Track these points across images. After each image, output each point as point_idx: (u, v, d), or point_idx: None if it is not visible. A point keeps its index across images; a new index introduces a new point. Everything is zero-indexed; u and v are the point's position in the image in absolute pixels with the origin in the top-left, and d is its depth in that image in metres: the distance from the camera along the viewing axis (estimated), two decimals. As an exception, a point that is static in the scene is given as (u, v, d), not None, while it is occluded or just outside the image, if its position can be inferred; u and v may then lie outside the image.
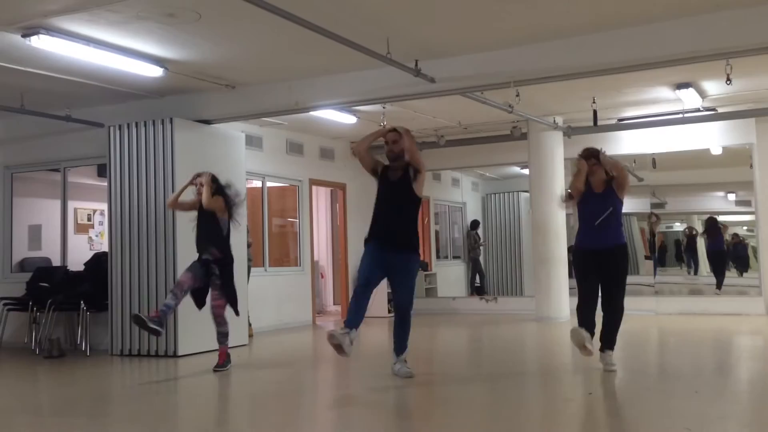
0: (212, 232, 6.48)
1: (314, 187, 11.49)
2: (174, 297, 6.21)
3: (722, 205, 16.42)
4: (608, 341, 5.74)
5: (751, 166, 10.33)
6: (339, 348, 5.33)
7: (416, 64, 6.68)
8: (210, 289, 6.45)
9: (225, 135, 8.28)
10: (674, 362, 6.79)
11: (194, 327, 7.47)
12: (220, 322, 6.45)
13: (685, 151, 10.68)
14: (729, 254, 13.60)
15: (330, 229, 13.25)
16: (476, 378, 6.01)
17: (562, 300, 10.30)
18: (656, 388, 5.39)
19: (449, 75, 6.95)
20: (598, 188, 5.84)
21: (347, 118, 9.60)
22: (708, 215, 18.33)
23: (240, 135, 8.55)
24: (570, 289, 11.07)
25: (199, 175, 6.56)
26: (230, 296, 6.45)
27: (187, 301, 7.32)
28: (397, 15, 5.90)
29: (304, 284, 10.83)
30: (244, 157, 8.51)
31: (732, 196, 16.35)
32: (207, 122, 8.11)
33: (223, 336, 6.48)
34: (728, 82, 6.80)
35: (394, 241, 5.68)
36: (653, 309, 10.43)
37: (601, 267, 5.67)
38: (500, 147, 11.19)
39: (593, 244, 5.72)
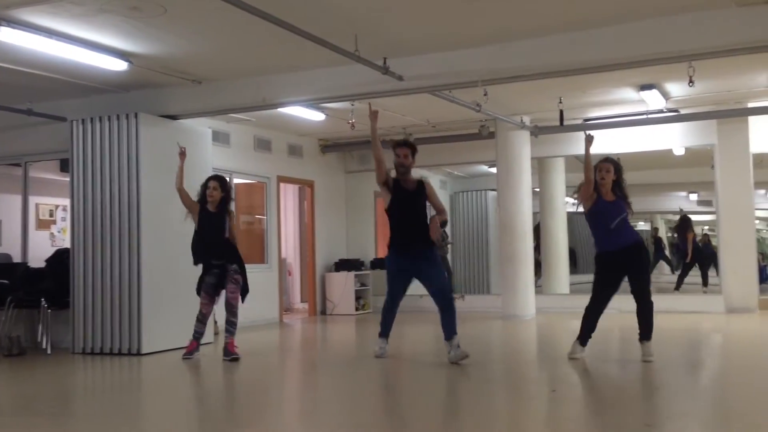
0: (222, 235, 6.85)
1: (282, 184, 11.43)
2: (202, 324, 6.89)
3: (685, 204, 16.74)
4: (645, 333, 6.07)
5: (713, 166, 10.52)
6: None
7: (384, 62, 6.67)
8: (227, 284, 6.83)
9: (191, 131, 8.18)
10: (637, 358, 6.90)
11: (158, 325, 7.38)
12: (235, 312, 6.84)
13: (648, 151, 10.82)
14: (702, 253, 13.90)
15: (298, 226, 13.20)
16: (440, 376, 6.02)
17: (528, 298, 10.40)
18: (619, 384, 5.46)
19: (417, 73, 6.96)
20: (608, 197, 6.13)
21: (315, 115, 9.56)
22: (672, 214, 18.70)
23: (206, 131, 8.46)
24: (537, 287, 11.22)
25: (211, 179, 6.90)
26: (245, 288, 6.95)
27: (152, 299, 7.26)
28: (366, 12, 5.89)
29: (271, 282, 10.77)
30: (210, 153, 8.42)
31: (694, 196, 16.70)
32: (173, 117, 8.00)
33: (233, 326, 6.82)
34: (691, 84, 6.92)
35: (419, 244, 6.16)
36: (617, 307, 10.57)
37: (625, 265, 6.03)
38: (468, 145, 11.25)
39: (612, 246, 6.06)
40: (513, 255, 10.38)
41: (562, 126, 9.89)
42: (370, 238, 12.89)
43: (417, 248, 6.18)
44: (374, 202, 13.30)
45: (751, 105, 9.79)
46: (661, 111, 9.76)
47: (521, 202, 10.43)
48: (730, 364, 6.64)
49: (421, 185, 6.41)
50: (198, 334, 6.89)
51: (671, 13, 5.98)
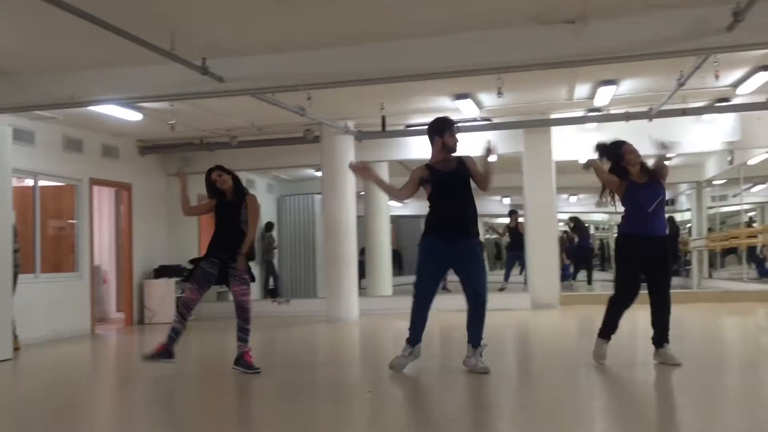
0: (239, 229, 5.93)
1: (96, 187, 10.75)
2: (181, 319, 5.89)
3: (498, 208, 17.88)
4: (664, 336, 5.57)
5: (521, 172, 11.28)
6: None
7: (204, 62, 6.49)
8: (233, 283, 5.88)
9: (-13, 128, 7.46)
10: (448, 354, 7.23)
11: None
12: (247, 317, 5.91)
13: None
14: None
15: (114, 231, 12.47)
16: (253, 384, 5.94)
17: (352, 301, 10.55)
18: (436, 381, 5.68)
19: (239, 75, 6.85)
20: (640, 179, 5.71)
21: (132, 115, 9.09)
22: (488, 216, 19.85)
23: (5, 129, 7.72)
24: (361, 289, 11.42)
25: (213, 170, 5.99)
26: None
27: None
28: (183, 11, 5.70)
29: (81, 291, 10.08)
30: (10, 152, 7.68)
31: (507, 200, 17.87)
32: (-36, 113, 7.27)
33: (246, 333, 5.92)
34: (499, 95, 7.40)
35: (461, 231, 5.50)
36: (435, 307, 11.04)
37: (651, 257, 5.57)
38: (294, 149, 11.24)
39: (645, 231, 5.62)
40: (337, 258, 10.49)
41: (385, 131, 10.17)
42: (193, 243, 12.46)
43: (461, 236, 5.49)
44: (197, 206, 12.87)
45: (553, 116, 10.63)
46: (475, 119, 10.32)
47: (346, 206, 10.57)
48: (533, 354, 7.14)
49: (461, 163, 5.61)
50: (172, 333, 5.88)
51: (481, 28, 6.35)
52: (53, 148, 9.69)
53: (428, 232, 5.59)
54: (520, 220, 12.82)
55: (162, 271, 11.39)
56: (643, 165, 5.72)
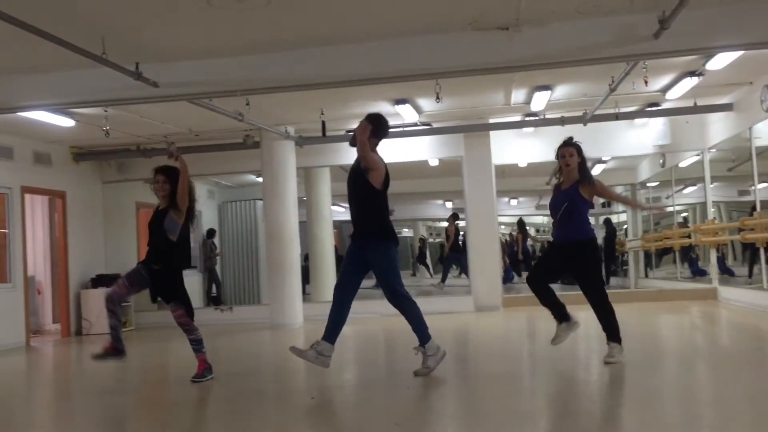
0: (161, 240, 5.74)
1: (28, 196, 10.42)
2: (112, 315, 5.69)
3: (441, 212, 18.06)
4: (607, 333, 5.65)
5: (462, 176, 11.41)
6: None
7: (137, 67, 6.37)
8: (168, 301, 5.78)
9: None
10: (393, 360, 7.27)
11: None
12: (189, 329, 5.78)
13: (407, 161, 11.46)
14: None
15: (48, 240, 12.10)
16: (192, 392, 5.86)
17: (296, 306, 10.49)
18: (378, 384, 5.70)
19: (174, 80, 6.74)
20: (565, 184, 5.75)
21: (64, 121, 8.85)
22: (431, 221, 20.00)
23: (-73, 135, 7.46)
24: (305, 295, 11.35)
25: (158, 172, 5.75)
26: (187, 303, 5.81)
27: None
28: (113, 14, 5.57)
29: (15, 302, 9.76)
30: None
31: (449, 204, 18.06)
32: None
33: (196, 343, 5.80)
34: (438, 100, 7.48)
35: (357, 232, 5.54)
36: (377, 311, 11.09)
37: (568, 264, 5.71)
38: (234, 155, 11.14)
39: (556, 238, 5.81)
40: (280, 264, 10.42)
41: (325, 137, 10.15)
42: (132, 251, 12.19)
43: (357, 238, 5.53)
44: (135, 213, 12.61)
45: (491, 120, 10.80)
46: (416, 124, 10.41)
47: (288, 211, 10.52)
48: (477, 355, 7.23)
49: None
50: (112, 330, 5.73)
51: (418, 34, 6.40)
52: (-19, 155, 9.37)
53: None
54: (461, 224, 12.97)
55: (99, 281, 11.11)
56: (581, 169, 5.69)
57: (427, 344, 5.53)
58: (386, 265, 5.49)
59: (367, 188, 5.46)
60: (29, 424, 5.10)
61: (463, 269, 12.87)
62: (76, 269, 11.09)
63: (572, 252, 5.64)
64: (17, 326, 9.75)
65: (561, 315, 5.79)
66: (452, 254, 14.03)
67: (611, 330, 5.66)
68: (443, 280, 13.79)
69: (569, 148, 5.73)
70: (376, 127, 5.52)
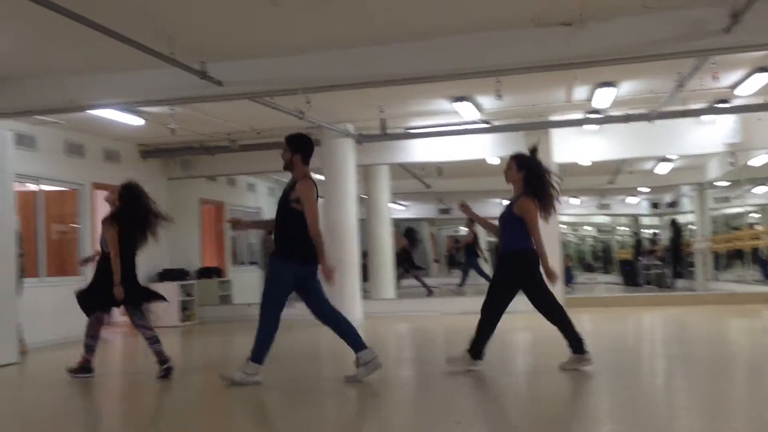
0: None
1: (98, 192, 10.78)
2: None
3: (499, 211, 17.87)
4: (570, 344, 5.64)
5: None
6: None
7: (203, 66, 6.53)
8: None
9: (-12, 132, 7.51)
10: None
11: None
12: (147, 339, 6.26)
13: (466, 160, 11.40)
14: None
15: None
16: (276, 385, 5.96)
17: (355, 304, 10.55)
18: (438, 382, 5.69)
19: (238, 79, 6.88)
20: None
21: (133, 119, 9.13)
22: (491, 219, 19.79)
23: (6, 133, 7.78)
24: (364, 292, 11.44)
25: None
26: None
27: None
28: (181, 15, 5.73)
29: (86, 295, 10.10)
30: (12, 157, 7.76)
31: (506, 203, 17.86)
32: (-35, 118, 7.33)
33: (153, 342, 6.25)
34: (498, 98, 7.42)
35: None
36: (439, 309, 11.07)
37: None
38: (295, 153, 11.25)
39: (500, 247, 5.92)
40: (339, 261, 10.47)
41: (385, 134, 10.19)
42: (195, 247, 12.51)
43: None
44: (199, 210, 12.94)
45: (552, 118, 10.63)
46: (476, 122, 10.34)
47: (347, 209, 10.59)
48: (538, 359, 7.14)
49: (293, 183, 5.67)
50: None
51: (478, 31, 6.36)
52: (55, 152, 9.74)
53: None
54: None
55: (165, 275, 11.43)
56: (524, 182, 5.66)
57: (252, 360, 5.46)
58: (270, 278, 5.60)
59: (288, 210, 5.46)
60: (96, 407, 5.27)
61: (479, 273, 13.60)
62: (142, 263, 11.37)
63: (508, 263, 5.67)
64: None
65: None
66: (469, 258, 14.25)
67: (570, 338, 5.58)
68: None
69: (508, 161, 5.81)
70: (301, 151, 5.54)
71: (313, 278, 5.57)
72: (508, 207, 5.77)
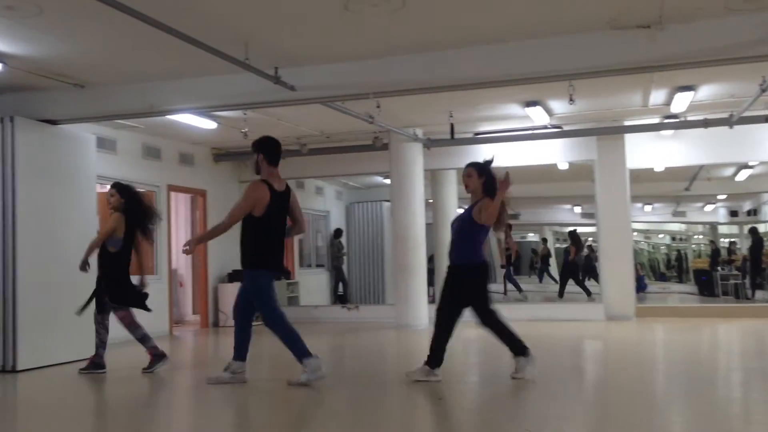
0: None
1: (173, 193, 11.12)
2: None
3: (569, 217, 17.55)
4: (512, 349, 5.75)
5: (594, 180, 11.05)
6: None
7: (276, 71, 6.64)
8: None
9: (73, 136, 7.83)
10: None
11: (36, 339, 7.01)
12: (133, 333, 6.69)
13: (535, 165, 11.24)
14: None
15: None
16: (338, 384, 6.02)
17: (421, 308, 10.53)
18: (503, 391, 5.63)
19: (310, 83, 6.96)
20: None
21: (207, 123, 9.38)
22: (558, 225, 19.53)
23: (90, 137, 8.12)
24: (430, 297, 11.41)
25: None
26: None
27: (29, 312, 6.91)
28: (255, 21, 5.84)
29: (160, 293, 10.41)
30: (94, 160, 8.09)
31: (578, 209, 17.52)
32: (53, 122, 7.63)
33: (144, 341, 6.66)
34: (571, 102, 7.28)
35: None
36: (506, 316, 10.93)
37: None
38: (363, 156, 11.34)
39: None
40: (406, 265, 10.51)
41: (453, 139, 10.15)
42: (265, 249, 12.70)
43: None
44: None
45: (627, 123, 10.38)
46: (546, 127, 10.18)
47: (414, 213, 10.59)
48: (608, 369, 6.98)
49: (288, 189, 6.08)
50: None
51: (552, 35, 6.26)
52: (134, 155, 10.09)
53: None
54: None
55: (235, 276, 11.66)
56: (483, 188, 5.68)
57: (305, 360, 5.56)
58: (253, 291, 5.80)
59: (247, 217, 5.69)
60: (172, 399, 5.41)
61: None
62: (214, 264, 11.69)
63: (453, 275, 5.68)
64: (162, 316, 10.40)
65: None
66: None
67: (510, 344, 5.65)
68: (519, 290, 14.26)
69: (468, 169, 5.79)
70: (265, 151, 5.75)
71: (271, 285, 5.86)
72: (464, 213, 5.83)
